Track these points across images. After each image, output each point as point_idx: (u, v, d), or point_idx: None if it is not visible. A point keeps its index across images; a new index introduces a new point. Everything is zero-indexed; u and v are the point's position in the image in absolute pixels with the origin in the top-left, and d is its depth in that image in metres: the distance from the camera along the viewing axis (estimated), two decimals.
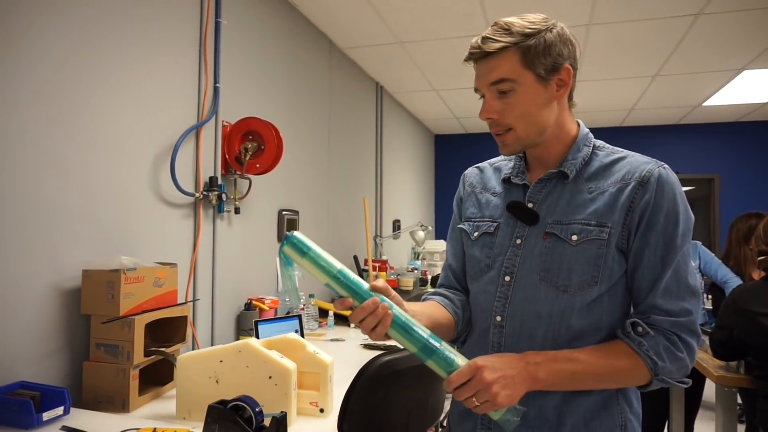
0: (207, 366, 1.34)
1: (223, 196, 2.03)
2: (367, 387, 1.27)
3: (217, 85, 2.06)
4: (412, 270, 4.30)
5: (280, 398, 1.30)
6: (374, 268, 3.53)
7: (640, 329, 0.90)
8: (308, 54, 2.95)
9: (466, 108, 5.03)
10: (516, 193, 1.04)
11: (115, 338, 1.39)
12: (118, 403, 1.38)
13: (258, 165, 2.11)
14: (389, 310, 0.86)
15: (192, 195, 1.92)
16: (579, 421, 0.93)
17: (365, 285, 0.89)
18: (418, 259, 4.89)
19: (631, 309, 0.98)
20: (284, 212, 2.61)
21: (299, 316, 2.17)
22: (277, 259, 0.91)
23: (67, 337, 1.44)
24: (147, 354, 1.43)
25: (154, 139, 1.77)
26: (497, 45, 0.94)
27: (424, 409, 1.45)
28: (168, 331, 1.61)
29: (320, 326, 2.60)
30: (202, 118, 2.00)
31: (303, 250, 0.89)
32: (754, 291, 1.95)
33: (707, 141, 5.60)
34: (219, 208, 2.06)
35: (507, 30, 0.94)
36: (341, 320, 2.67)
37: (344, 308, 0.89)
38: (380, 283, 0.90)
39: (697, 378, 2.74)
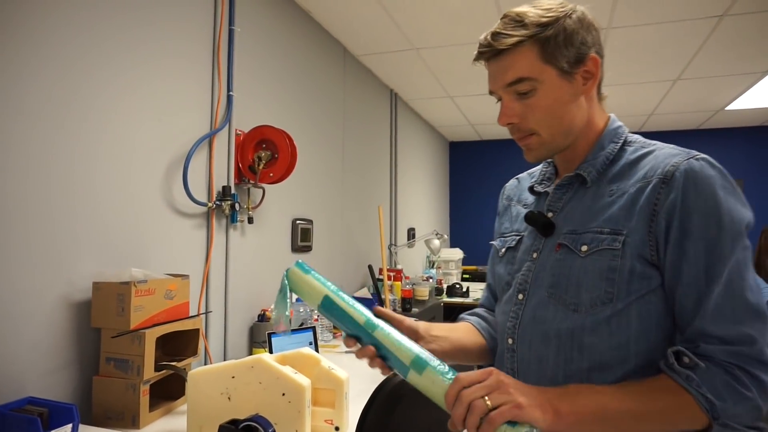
0: (219, 382, 1.29)
1: (237, 205, 2.00)
2: (384, 405, 1.21)
3: (231, 93, 2.04)
4: (428, 279, 4.24)
5: (293, 416, 1.25)
6: (389, 278, 3.48)
7: (686, 360, 0.74)
8: (322, 61, 2.92)
9: (480, 115, 4.98)
10: (541, 202, 0.95)
11: (125, 352, 1.36)
12: (128, 420, 1.34)
13: (272, 174, 2.07)
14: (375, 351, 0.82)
15: (205, 205, 1.89)
16: None
17: (365, 314, 0.85)
18: (433, 267, 4.83)
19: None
20: (298, 221, 2.57)
21: (313, 328, 2.12)
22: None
23: (77, 351, 1.40)
24: (158, 368, 1.39)
25: (167, 147, 1.75)
26: (511, 40, 0.82)
27: (443, 428, 1.39)
28: (179, 345, 1.58)
29: (334, 337, 2.55)
30: (216, 126, 1.97)
31: (307, 270, 0.88)
32: None
33: (730, 146, 5.47)
34: (232, 218, 2.03)
35: (520, 21, 0.82)
36: None
37: (351, 346, 0.86)
38: (382, 309, 0.87)
39: None
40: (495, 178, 6.21)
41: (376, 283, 3.39)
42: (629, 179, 0.82)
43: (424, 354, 0.78)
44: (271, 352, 1.87)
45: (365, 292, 3.18)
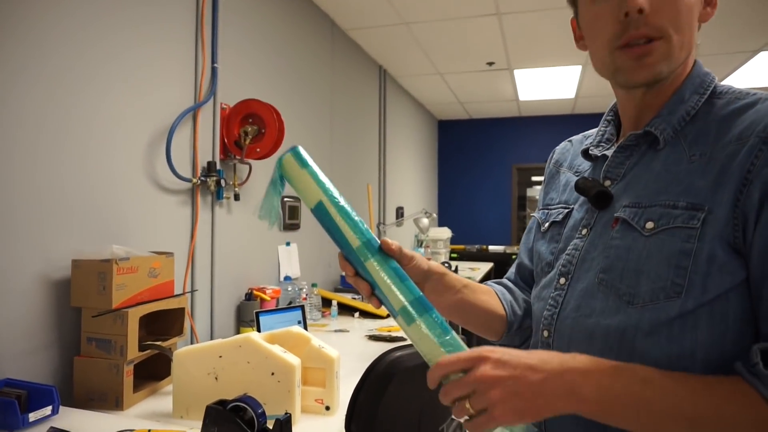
0: (205, 362, 1.26)
1: (222, 181, 1.94)
2: (376, 385, 1.19)
3: (215, 65, 1.96)
4: None
5: (283, 396, 1.22)
6: None
7: None
8: (310, 35, 2.83)
9: (470, 92, 4.92)
10: (597, 168, 0.77)
11: (107, 332, 1.31)
12: (111, 401, 1.30)
13: (258, 149, 2.01)
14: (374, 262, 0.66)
15: (189, 181, 1.83)
16: None
17: (363, 234, 0.70)
18: (421, 246, 4.81)
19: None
20: (285, 199, 2.51)
21: (302, 307, 2.09)
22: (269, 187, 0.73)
23: (56, 331, 1.35)
24: (142, 348, 1.35)
25: (148, 121, 1.68)
26: None
27: (436, 408, 1.37)
28: (164, 324, 1.53)
29: (323, 316, 2.52)
30: (200, 99, 1.90)
31: (304, 162, 0.73)
32: None
33: None
34: (218, 195, 1.97)
35: None
36: (345, 310, 2.60)
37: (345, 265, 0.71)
38: (393, 245, 0.69)
39: None
40: (484, 158, 6.18)
41: None
42: (718, 140, 0.64)
43: (418, 304, 0.65)
44: (259, 331, 1.83)
45: None
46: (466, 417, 0.57)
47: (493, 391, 0.55)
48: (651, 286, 0.62)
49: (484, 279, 4.51)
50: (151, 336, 1.50)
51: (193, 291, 1.86)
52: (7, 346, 1.24)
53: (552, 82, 4.55)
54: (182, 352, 1.27)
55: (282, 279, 2.41)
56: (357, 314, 2.54)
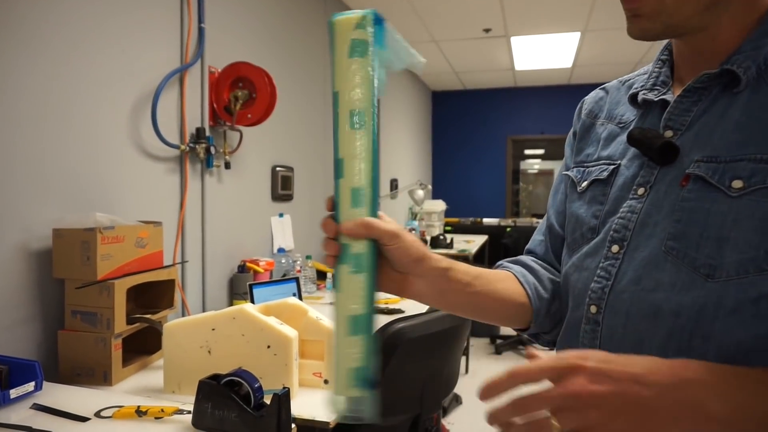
0: (197, 334, 1.20)
1: (212, 149, 1.85)
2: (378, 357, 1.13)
3: (202, 25, 1.85)
4: (411, 231, 4.17)
5: (280, 370, 1.16)
6: None
7: None
8: None
9: (465, 62, 4.80)
10: (652, 116, 0.65)
11: (92, 305, 1.24)
12: (99, 376, 1.24)
13: (249, 115, 1.92)
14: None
15: (177, 147, 1.74)
16: None
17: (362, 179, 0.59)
18: (415, 219, 4.75)
19: None
20: (278, 168, 2.43)
21: (296, 279, 2.03)
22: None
23: (39, 304, 1.28)
24: (130, 321, 1.29)
25: (133, 83, 1.58)
26: None
27: (438, 380, 1.33)
28: (154, 297, 1.47)
29: (318, 289, 2.47)
30: (186, 61, 1.80)
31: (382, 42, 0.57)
32: None
33: None
34: (207, 162, 1.89)
35: None
36: None
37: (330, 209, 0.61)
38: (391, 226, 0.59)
39: None
40: (478, 130, 6.09)
41: None
42: None
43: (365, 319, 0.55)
44: (253, 303, 1.77)
45: None
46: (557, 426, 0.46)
47: (593, 412, 0.45)
48: (739, 256, 0.52)
49: (479, 252, 4.47)
50: (140, 309, 1.43)
51: (183, 262, 1.79)
52: None
53: (549, 50, 4.45)
54: (173, 324, 1.21)
55: (275, 251, 2.35)
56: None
